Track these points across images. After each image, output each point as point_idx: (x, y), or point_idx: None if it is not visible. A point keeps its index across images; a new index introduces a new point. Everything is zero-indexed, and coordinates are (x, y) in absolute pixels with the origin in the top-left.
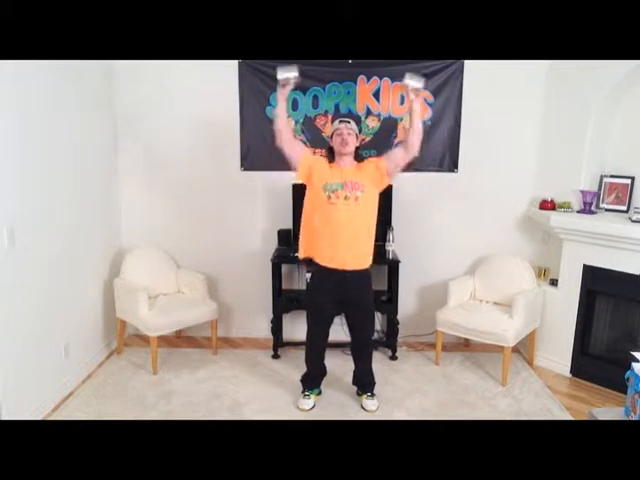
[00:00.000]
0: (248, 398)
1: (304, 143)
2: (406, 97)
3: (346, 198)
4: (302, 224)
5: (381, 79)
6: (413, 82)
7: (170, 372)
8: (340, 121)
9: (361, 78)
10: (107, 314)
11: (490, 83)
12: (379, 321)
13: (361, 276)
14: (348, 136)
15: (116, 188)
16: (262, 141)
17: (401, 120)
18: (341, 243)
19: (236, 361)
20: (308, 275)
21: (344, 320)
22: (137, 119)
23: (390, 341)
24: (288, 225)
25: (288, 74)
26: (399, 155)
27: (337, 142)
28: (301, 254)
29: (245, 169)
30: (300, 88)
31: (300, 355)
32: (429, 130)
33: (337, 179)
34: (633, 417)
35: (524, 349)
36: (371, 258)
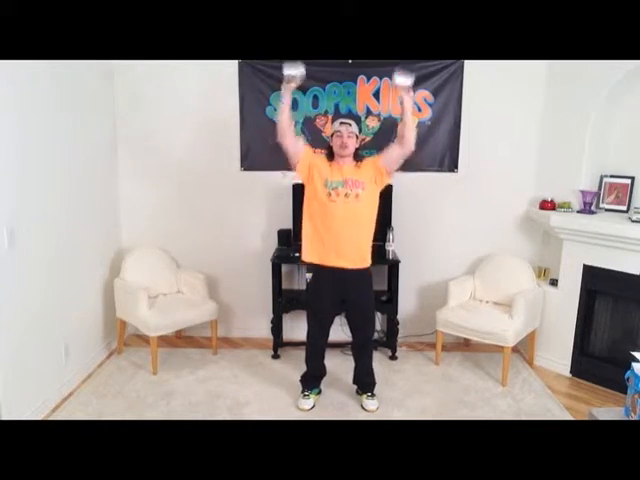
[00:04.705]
0: (248, 398)
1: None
2: (399, 95)
3: (346, 196)
4: (303, 224)
5: (381, 79)
6: (401, 80)
7: (170, 372)
8: (341, 123)
9: (361, 78)
10: (107, 314)
11: (490, 83)
12: (379, 321)
13: (361, 276)
14: (348, 139)
15: (116, 188)
16: (262, 141)
17: (401, 119)
18: (341, 241)
19: (236, 361)
20: (308, 275)
21: (344, 320)
22: (137, 119)
23: (390, 341)
24: (288, 225)
25: (294, 71)
26: (395, 151)
27: (337, 144)
28: (304, 257)
29: (245, 169)
30: (300, 88)
31: (300, 355)
32: (429, 130)
33: (337, 177)
34: (633, 417)
35: (524, 349)
36: (370, 257)
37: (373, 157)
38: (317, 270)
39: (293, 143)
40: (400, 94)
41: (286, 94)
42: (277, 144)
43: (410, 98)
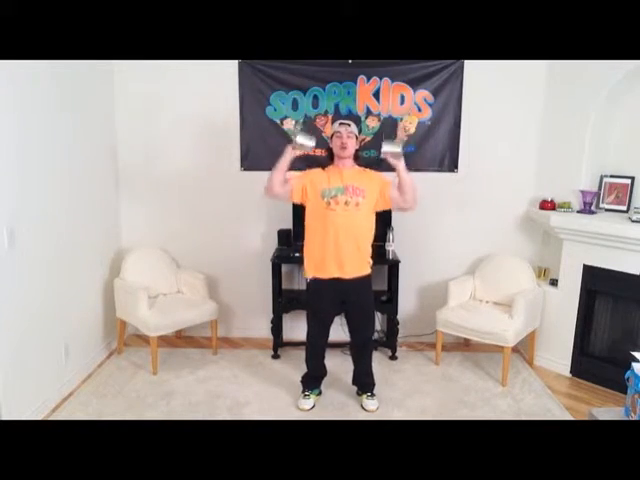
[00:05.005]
0: (248, 398)
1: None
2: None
3: (346, 203)
4: (305, 240)
5: (381, 79)
6: (390, 148)
7: (170, 372)
8: (340, 124)
9: (361, 78)
10: (107, 314)
11: (490, 83)
12: (379, 321)
13: (361, 281)
14: (348, 139)
15: (116, 188)
16: (262, 141)
17: (401, 120)
18: (341, 250)
19: (236, 361)
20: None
21: (344, 320)
22: (137, 119)
23: (390, 341)
24: (288, 225)
25: (306, 143)
26: (396, 199)
27: (336, 145)
28: (307, 272)
29: (245, 169)
30: (300, 88)
31: (300, 355)
32: (429, 130)
33: (337, 183)
34: (633, 417)
35: (524, 349)
36: (370, 265)
37: (385, 180)
38: (318, 282)
39: (282, 191)
40: (391, 162)
41: (288, 157)
42: (275, 143)
43: (402, 164)
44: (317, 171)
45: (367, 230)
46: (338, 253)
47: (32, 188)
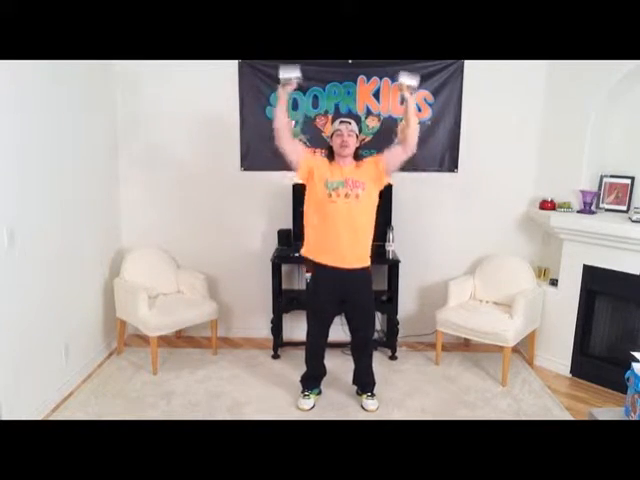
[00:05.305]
0: (248, 398)
1: (304, 143)
2: (402, 95)
3: (347, 196)
4: (305, 224)
5: (381, 79)
6: (408, 80)
7: (170, 372)
8: (341, 122)
9: (361, 78)
10: (107, 314)
11: (490, 83)
12: (379, 321)
13: (361, 275)
14: (348, 137)
15: (116, 188)
16: (262, 141)
17: (401, 120)
18: (341, 241)
19: (236, 361)
20: (308, 275)
21: (344, 320)
22: (137, 119)
23: (390, 341)
24: (288, 225)
25: (290, 74)
26: (397, 153)
27: (337, 143)
28: (304, 251)
29: (245, 169)
30: (300, 88)
31: (300, 355)
32: (429, 130)
33: (338, 177)
34: (633, 417)
35: (524, 349)
36: (369, 257)
37: (374, 157)
38: (317, 269)
39: (291, 147)
40: (403, 92)
41: (282, 97)
42: (277, 146)
43: (413, 98)
44: (323, 160)
45: (367, 222)
46: (338, 244)
47: (32, 188)
